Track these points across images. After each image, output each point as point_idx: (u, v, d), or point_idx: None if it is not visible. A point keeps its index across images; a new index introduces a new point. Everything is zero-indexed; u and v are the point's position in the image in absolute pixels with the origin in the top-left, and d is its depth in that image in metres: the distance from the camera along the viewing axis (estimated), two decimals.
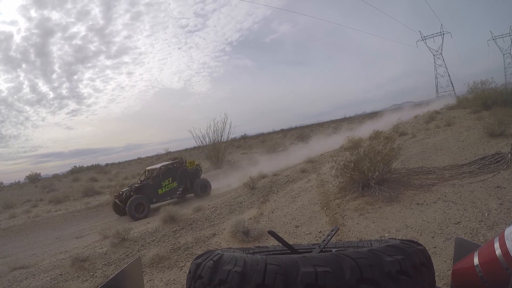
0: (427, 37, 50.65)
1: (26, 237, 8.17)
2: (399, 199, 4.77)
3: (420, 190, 4.97)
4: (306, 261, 0.63)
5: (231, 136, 17.28)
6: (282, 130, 49.19)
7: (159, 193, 9.48)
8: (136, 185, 9.40)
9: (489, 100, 13.13)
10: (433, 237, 3.59)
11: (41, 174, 25.93)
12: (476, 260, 0.83)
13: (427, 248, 0.76)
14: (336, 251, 0.99)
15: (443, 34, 49.40)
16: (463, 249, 1.05)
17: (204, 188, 10.23)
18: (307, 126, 49.67)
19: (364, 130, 14.16)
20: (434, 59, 50.98)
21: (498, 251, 0.76)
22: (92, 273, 4.46)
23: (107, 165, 38.54)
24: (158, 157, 37.63)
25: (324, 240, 0.99)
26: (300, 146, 17.63)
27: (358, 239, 1.79)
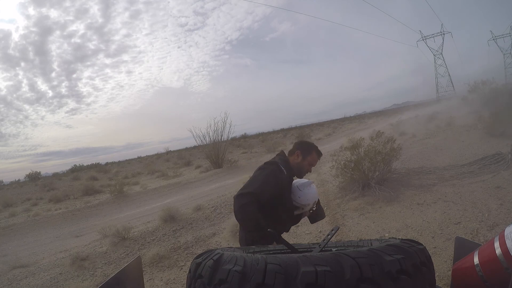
0: (428, 37, 50.65)
1: (26, 235, 8.18)
2: (400, 199, 4.77)
3: (420, 190, 4.97)
4: (306, 261, 0.63)
5: (231, 136, 17.25)
6: (282, 130, 49.24)
7: None
8: None
9: (489, 100, 13.10)
10: (433, 237, 3.59)
11: (41, 173, 25.89)
12: (476, 260, 0.83)
13: (427, 248, 0.76)
14: (336, 250, 0.99)
15: (444, 34, 49.40)
16: (463, 248, 1.05)
17: None
18: (307, 126, 49.71)
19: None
20: (434, 59, 51.00)
21: (498, 251, 0.76)
22: (92, 272, 4.46)
23: (107, 164, 38.56)
24: (158, 156, 37.65)
25: (324, 240, 0.99)
26: None
27: (358, 239, 1.79)
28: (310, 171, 2.03)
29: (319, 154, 2.03)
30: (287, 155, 2.03)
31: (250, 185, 1.70)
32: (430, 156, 6.96)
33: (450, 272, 1.97)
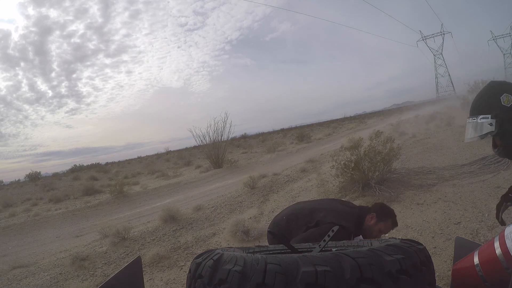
0: (428, 37, 50.75)
1: (26, 235, 8.18)
2: (399, 199, 4.77)
3: (420, 190, 4.97)
4: (306, 261, 0.63)
5: (231, 136, 17.25)
6: (282, 130, 49.25)
7: None
8: None
9: None
10: (433, 237, 3.59)
11: (41, 173, 25.88)
12: (476, 260, 0.83)
13: (427, 248, 0.76)
14: (336, 250, 0.99)
15: (444, 34, 49.47)
16: (463, 248, 1.05)
17: None
18: (307, 126, 49.72)
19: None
20: (434, 59, 51.11)
21: (498, 251, 0.76)
22: (92, 272, 4.46)
23: (107, 164, 38.59)
24: (158, 156, 37.63)
25: (324, 240, 0.98)
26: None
27: (358, 239, 1.78)
28: (379, 238, 1.93)
29: (394, 224, 1.92)
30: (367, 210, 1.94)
31: (308, 239, 1.66)
32: (430, 156, 6.96)
33: (450, 272, 1.96)
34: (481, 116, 1.29)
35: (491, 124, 1.27)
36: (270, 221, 5.43)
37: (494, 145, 1.38)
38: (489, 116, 1.27)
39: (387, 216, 1.89)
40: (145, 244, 5.23)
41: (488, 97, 1.31)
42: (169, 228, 5.77)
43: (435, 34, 50.11)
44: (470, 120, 1.34)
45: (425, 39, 50.70)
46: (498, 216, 1.59)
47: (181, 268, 4.21)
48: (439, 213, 4.09)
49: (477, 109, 1.33)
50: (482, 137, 1.30)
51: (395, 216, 1.93)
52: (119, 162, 42.42)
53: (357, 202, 5.00)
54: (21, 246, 7.14)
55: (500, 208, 1.58)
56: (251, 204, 6.64)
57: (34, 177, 23.66)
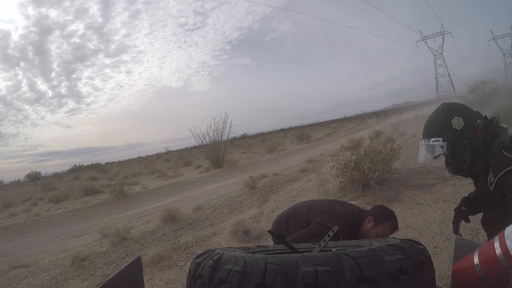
0: (428, 37, 50.83)
1: (26, 235, 8.18)
2: (400, 199, 4.77)
3: (420, 190, 4.97)
4: (306, 261, 0.63)
5: (231, 136, 17.26)
6: (282, 130, 49.29)
7: None
8: None
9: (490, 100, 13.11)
10: (433, 237, 3.60)
11: (41, 173, 25.87)
12: (476, 260, 0.83)
13: (427, 248, 0.76)
14: (336, 250, 0.99)
15: (444, 34, 49.53)
16: (463, 248, 1.05)
17: None
18: (307, 126, 49.76)
19: None
20: (434, 59, 51.21)
21: (498, 251, 0.76)
22: (92, 272, 4.46)
23: (107, 164, 38.59)
24: (158, 156, 37.65)
25: (324, 240, 0.98)
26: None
27: (358, 239, 1.78)
28: None
29: (394, 227, 1.79)
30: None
31: (297, 239, 1.67)
32: None
33: (450, 272, 1.97)
34: (433, 139, 1.35)
35: (442, 147, 1.33)
36: (270, 221, 5.42)
37: (447, 164, 1.44)
38: (441, 139, 1.33)
39: (385, 219, 1.78)
40: (145, 244, 5.23)
41: (440, 120, 1.37)
42: (169, 228, 5.77)
43: (435, 34, 50.23)
44: (423, 142, 1.39)
45: (425, 39, 50.81)
46: (456, 231, 1.61)
47: (181, 268, 4.21)
48: (439, 213, 4.09)
49: (429, 132, 1.38)
50: (435, 157, 1.36)
51: (395, 218, 1.82)
52: (119, 162, 42.46)
53: (357, 202, 5.00)
54: (21, 246, 7.14)
55: (456, 224, 1.62)
56: (251, 204, 6.64)
57: (34, 177, 23.66)
